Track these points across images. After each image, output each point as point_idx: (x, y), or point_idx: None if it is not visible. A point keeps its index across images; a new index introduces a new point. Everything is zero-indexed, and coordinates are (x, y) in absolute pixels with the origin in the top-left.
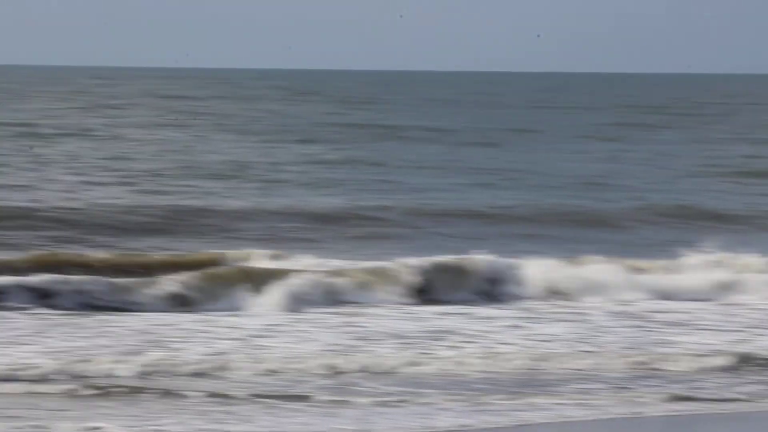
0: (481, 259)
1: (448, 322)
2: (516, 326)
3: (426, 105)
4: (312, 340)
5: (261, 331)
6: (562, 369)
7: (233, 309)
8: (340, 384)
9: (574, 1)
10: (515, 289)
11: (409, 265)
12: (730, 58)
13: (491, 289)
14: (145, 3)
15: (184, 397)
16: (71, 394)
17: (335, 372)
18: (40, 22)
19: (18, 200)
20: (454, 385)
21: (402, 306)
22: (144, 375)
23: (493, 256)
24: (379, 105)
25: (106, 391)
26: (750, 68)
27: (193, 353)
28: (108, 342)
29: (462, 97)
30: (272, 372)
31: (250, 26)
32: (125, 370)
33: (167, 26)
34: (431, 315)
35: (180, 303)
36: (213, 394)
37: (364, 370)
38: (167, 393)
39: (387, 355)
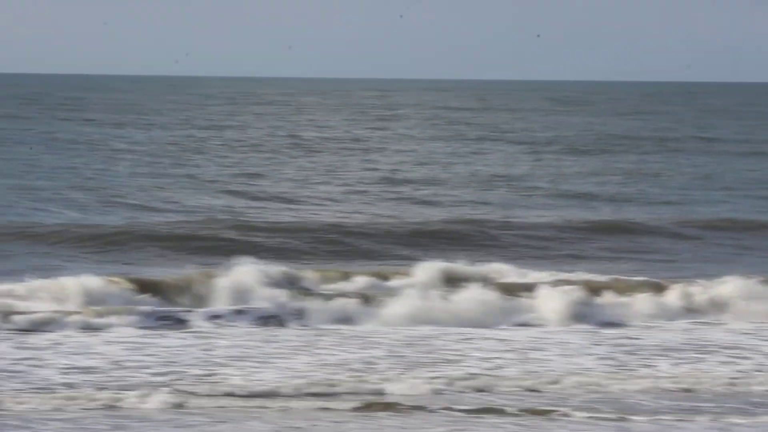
0: None
1: (717, 335)
2: None
3: (703, 115)
4: (583, 354)
5: (532, 344)
6: None
7: (503, 322)
8: (609, 398)
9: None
10: None
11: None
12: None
13: None
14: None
15: (459, 411)
16: (352, 409)
17: (606, 387)
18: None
19: (290, 211)
20: (732, 399)
21: (665, 320)
22: (427, 390)
23: None
24: (652, 115)
25: (371, 406)
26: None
27: (468, 367)
28: (380, 354)
29: (733, 107)
30: (546, 385)
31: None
32: (397, 384)
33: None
34: (690, 326)
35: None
36: (487, 409)
37: (637, 383)
38: (445, 408)
39: (659, 369)
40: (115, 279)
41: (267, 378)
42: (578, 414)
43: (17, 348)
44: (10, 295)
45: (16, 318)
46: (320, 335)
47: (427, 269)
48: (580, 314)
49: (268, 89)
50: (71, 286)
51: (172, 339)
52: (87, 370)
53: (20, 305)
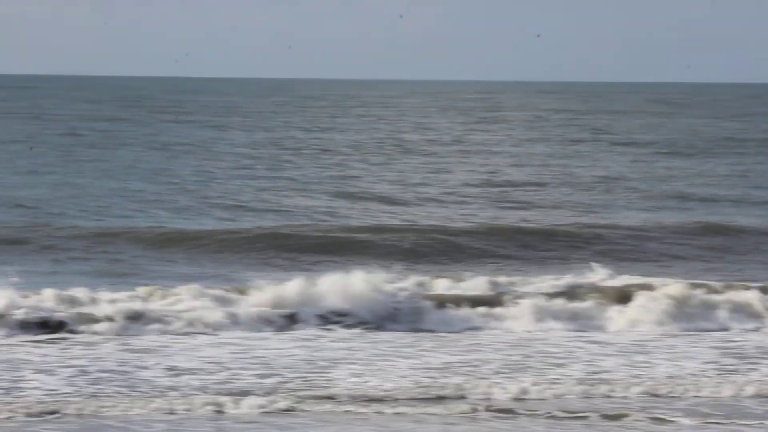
0: None
1: None
2: None
3: None
4: (688, 358)
5: (637, 348)
6: None
7: (609, 326)
8: (716, 402)
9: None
10: None
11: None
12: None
13: None
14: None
15: (565, 414)
16: (459, 413)
17: (713, 391)
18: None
19: (392, 213)
20: None
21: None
22: (533, 393)
23: None
24: (757, 117)
25: (477, 410)
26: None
27: (574, 371)
28: (486, 357)
29: None
30: (652, 389)
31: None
32: (505, 391)
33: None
34: None
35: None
36: (593, 413)
37: (744, 388)
38: (551, 411)
39: (765, 372)
40: (228, 288)
41: (372, 382)
42: (686, 420)
43: (122, 350)
44: (119, 299)
45: (123, 320)
46: (426, 338)
47: (542, 279)
48: (685, 317)
49: (368, 91)
50: (177, 291)
51: (276, 342)
52: (191, 372)
53: (126, 307)
